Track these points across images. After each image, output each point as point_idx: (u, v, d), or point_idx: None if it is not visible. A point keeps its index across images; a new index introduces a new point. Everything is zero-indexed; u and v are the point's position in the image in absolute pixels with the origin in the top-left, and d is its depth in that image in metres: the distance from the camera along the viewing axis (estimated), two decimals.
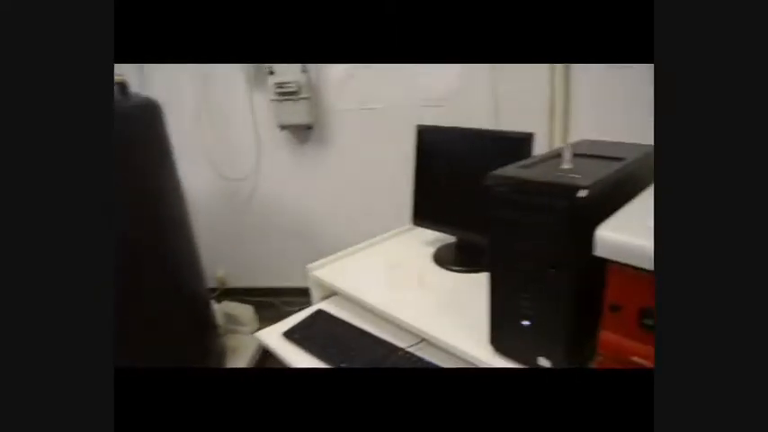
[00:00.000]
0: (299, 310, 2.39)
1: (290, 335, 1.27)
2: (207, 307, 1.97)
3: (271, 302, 2.74)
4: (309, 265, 1.46)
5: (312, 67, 2.19)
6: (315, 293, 1.50)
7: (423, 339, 1.15)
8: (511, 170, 0.87)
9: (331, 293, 1.47)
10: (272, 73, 2.18)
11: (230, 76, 2.30)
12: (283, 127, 2.30)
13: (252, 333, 2.39)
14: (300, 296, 2.72)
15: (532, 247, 0.81)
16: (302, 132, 2.34)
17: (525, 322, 0.89)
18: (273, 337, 1.28)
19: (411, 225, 1.60)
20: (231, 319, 2.38)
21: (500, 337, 0.97)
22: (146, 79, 2.23)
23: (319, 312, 1.37)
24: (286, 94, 2.15)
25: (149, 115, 1.58)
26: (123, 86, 1.47)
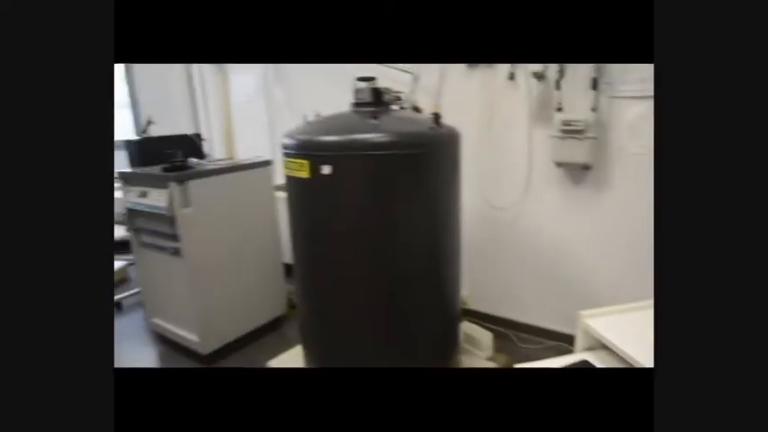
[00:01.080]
0: (536, 349, 2.33)
1: None
2: (457, 324, 2.09)
3: (505, 333, 2.74)
4: (582, 312, 1.41)
5: (604, 106, 2.12)
6: (579, 341, 1.44)
7: None
8: None
9: (598, 345, 1.39)
10: (560, 110, 2.19)
11: (514, 109, 2.40)
12: (559, 164, 2.28)
13: (487, 359, 2.44)
14: (537, 335, 2.67)
15: None
16: (578, 172, 2.28)
17: None
18: None
19: None
20: (469, 339, 2.46)
21: None
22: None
23: (585, 364, 1.31)
24: (571, 131, 2.13)
25: (453, 142, 1.78)
26: (437, 116, 1.69)
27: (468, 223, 2.53)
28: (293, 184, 1.78)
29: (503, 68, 2.38)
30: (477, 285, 2.81)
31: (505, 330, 2.75)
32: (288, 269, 2.99)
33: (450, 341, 2.05)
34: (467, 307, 2.91)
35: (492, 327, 2.69)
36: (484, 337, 2.46)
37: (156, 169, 2.45)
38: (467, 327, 2.54)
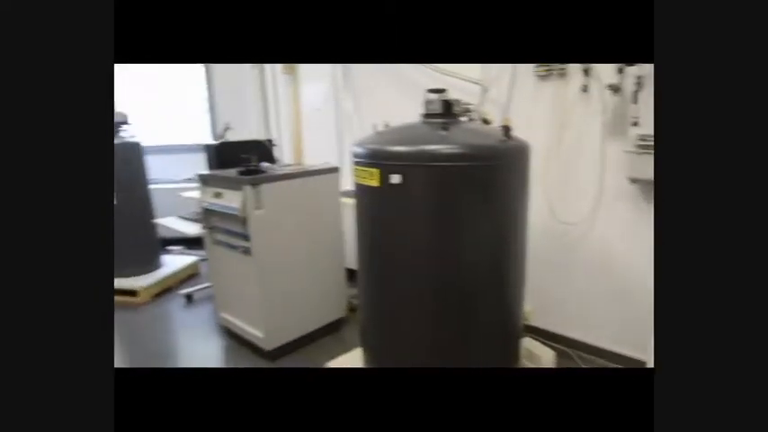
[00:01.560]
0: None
1: None
2: (518, 339, 2.05)
3: (567, 353, 2.65)
4: None
5: None
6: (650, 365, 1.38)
7: None
8: None
9: None
10: (635, 124, 2.10)
11: (587, 122, 2.33)
12: (634, 180, 2.19)
13: None
14: (602, 357, 2.56)
15: None
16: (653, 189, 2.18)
17: None
18: None
19: None
20: (530, 356, 2.41)
21: None
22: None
23: None
24: (648, 147, 2.04)
25: (523, 155, 1.76)
26: (507, 129, 1.68)
27: (535, 237, 2.47)
28: (362, 192, 1.82)
29: (576, 80, 2.33)
30: (540, 301, 2.73)
31: (568, 349, 2.66)
32: (350, 273, 3.06)
33: (509, 355, 2.01)
34: (529, 323, 2.84)
35: (554, 345, 2.62)
36: (545, 354, 2.39)
37: (231, 172, 2.60)
38: (528, 343, 2.48)
